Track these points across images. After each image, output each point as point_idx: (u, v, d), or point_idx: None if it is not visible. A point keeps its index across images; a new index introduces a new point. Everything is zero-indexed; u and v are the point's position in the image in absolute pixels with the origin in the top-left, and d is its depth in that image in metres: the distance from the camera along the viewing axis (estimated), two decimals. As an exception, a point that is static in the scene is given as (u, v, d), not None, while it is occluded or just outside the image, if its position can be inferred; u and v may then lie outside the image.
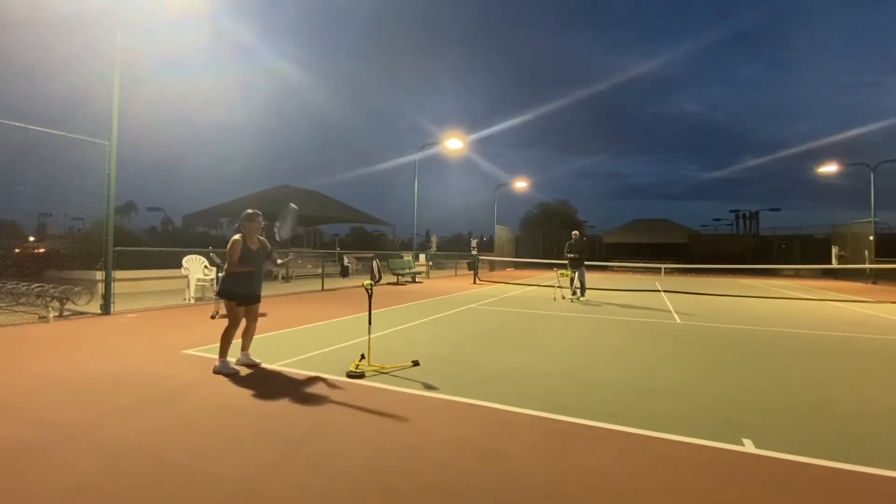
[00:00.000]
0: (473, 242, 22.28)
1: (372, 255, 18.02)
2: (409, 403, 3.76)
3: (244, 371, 4.60)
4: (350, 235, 51.62)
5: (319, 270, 14.45)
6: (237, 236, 4.67)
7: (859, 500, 2.42)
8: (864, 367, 5.38)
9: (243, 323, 4.82)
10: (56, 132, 7.63)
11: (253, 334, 4.91)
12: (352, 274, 18.71)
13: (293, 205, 5.24)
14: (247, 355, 4.83)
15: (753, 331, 7.72)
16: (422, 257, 22.13)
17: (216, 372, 4.51)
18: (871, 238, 22.41)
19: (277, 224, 5.09)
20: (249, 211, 4.81)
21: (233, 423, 3.26)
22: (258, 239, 4.82)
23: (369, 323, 4.97)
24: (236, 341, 4.72)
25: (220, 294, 4.79)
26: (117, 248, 8.51)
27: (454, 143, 21.23)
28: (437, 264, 26.50)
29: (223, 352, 4.60)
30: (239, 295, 4.68)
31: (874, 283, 21.11)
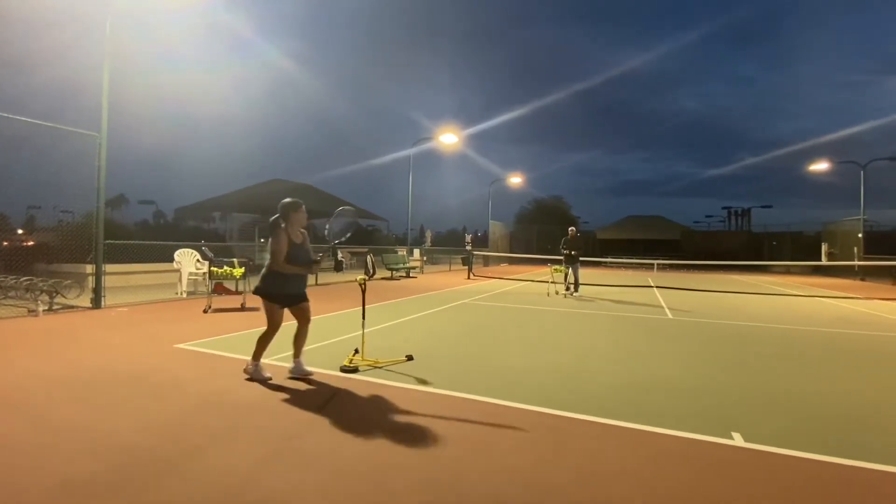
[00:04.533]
0: (468, 238, 22.26)
1: (366, 249, 17.97)
2: (402, 398, 3.76)
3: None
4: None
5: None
6: (282, 224, 4.06)
7: (847, 493, 2.45)
8: (852, 362, 5.45)
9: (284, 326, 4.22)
10: (45, 123, 7.53)
11: (305, 338, 4.31)
12: (345, 269, 18.66)
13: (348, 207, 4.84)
14: (299, 364, 4.24)
15: (744, 326, 7.80)
16: (416, 252, 22.12)
17: (249, 378, 4.08)
18: (860, 235, 22.69)
19: (328, 226, 4.58)
20: (290, 200, 4.17)
21: (225, 418, 3.25)
22: (301, 231, 4.21)
23: (363, 318, 4.96)
24: (270, 343, 4.24)
25: (261, 294, 4.08)
26: (108, 242, 8.44)
27: (449, 138, 21.18)
28: (431, 259, 26.51)
29: (257, 355, 4.13)
30: (283, 296, 4.10)
31: (862, 279, 21.36)
